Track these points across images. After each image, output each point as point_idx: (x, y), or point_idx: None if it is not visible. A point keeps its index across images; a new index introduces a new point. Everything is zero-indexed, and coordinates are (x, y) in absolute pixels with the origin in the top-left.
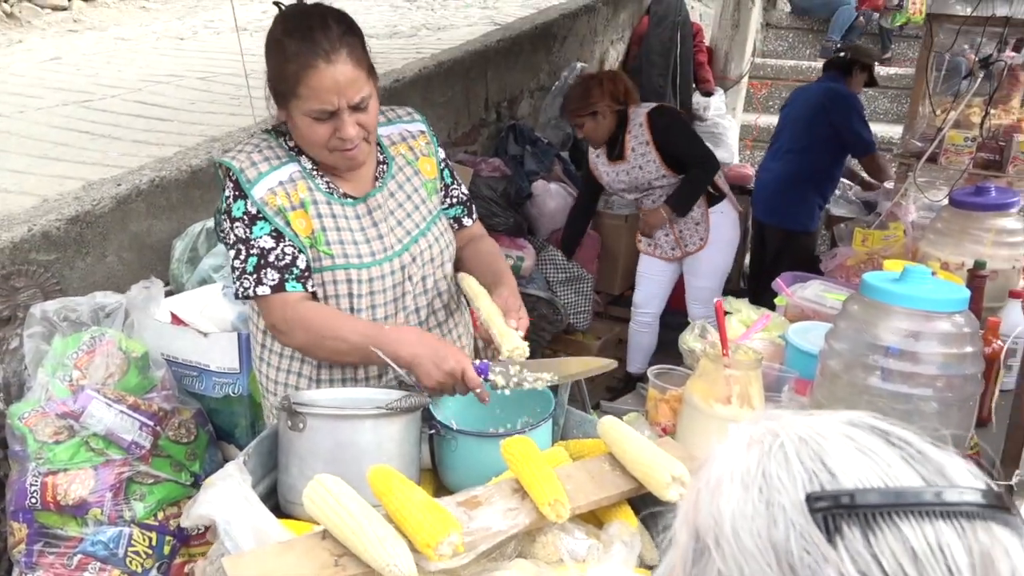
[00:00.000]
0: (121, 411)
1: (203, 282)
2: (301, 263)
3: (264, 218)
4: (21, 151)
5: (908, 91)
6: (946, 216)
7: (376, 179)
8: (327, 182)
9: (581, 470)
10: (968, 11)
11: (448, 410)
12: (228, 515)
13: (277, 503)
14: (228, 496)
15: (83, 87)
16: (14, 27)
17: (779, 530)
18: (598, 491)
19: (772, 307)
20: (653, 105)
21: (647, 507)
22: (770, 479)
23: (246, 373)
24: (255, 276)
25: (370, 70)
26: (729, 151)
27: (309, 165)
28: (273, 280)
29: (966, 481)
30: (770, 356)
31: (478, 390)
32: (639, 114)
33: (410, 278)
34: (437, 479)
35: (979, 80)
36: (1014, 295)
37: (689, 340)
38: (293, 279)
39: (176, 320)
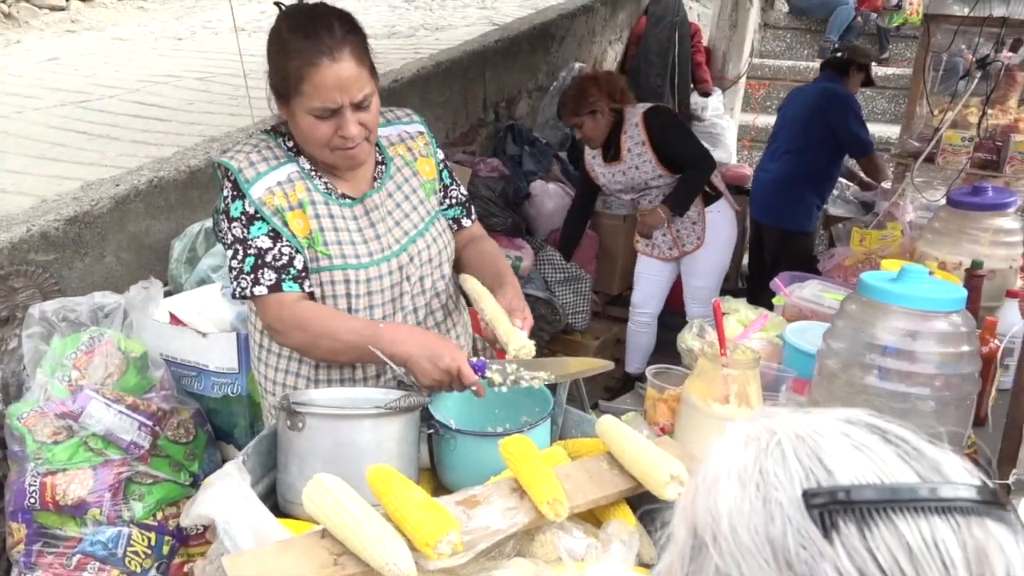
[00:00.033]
0: (120, 411)
1: (202, 282)
2: (298, 263)
3: (262, 218)
4: (19, 151)
5: (906, 91)
6: (943, 216)
7: (374, 179)
8: (325, 183)
9: (579, 469)
10: (965, 11)
11: (447, 410)
12: (227, 514)
13: (276, 503)
14: (227, 495)
15: (81, 87)
16: (12, 27)
17: (776, 526)
18: (596, 490)
19: (770, 307)
20: (649, 105)
21: (644, 504)
22: (767, 476)
23: (245, 373)
24: (252, 276)
25: (372, 70)
26: (727, 151)
27: (307, 166)
28: (270, 280)
29: (961, 477)
30: (768, 356)
31: (474, 387)
32: (635, 114)
33: (408, 278)
34: (436, 478)
35: (976, 80)
36: (1011, 295)
37: (687, 339)
38: (290, 279)
39: (175, 320)
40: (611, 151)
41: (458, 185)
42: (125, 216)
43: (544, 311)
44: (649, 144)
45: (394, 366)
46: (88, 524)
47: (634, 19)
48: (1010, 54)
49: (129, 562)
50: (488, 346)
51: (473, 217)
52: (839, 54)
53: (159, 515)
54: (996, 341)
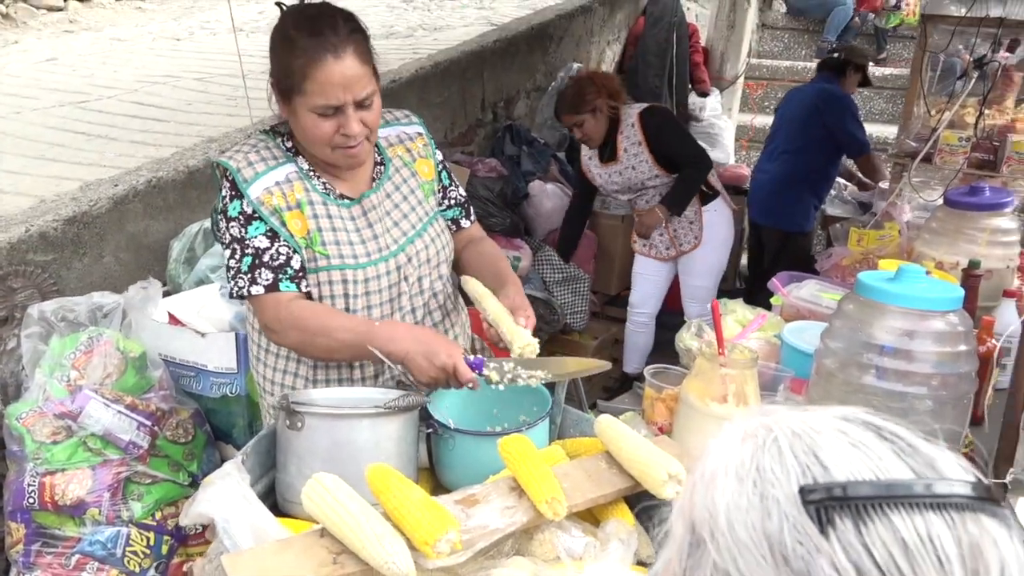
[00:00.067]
0: (119, 411)
1: (200, 282)
2: (295, 263)
3: (259, 218)
4: (17, 152)
5: (903, 91)
6: (941, 216)
7: (373, 180)
8: (324, 183)
9: (578, 468)
10: (962, 12)
11: (446, 409)
12: (227, 514)
13: (275, 502)
14: (227, 495)
15: (79, 88)
16: (10, 28)
17: (773, 522)
18: (595, 489)
19: (768, 307)
20: (645, 105)
21: (642, 502)
22: (764, 472)
23: (243, 373)
24: (249, 276)
25: (374, 70)
26: (725, 151)
27: (306, 166)
28: (267, 280)
29: (956, 474)
30: (766, 355)
31: (470, 385)
32: (631, 114)
33: (406, 278)
34: (435, 478)
35: (973, 80)
36: (1008, 294)
37: (686, 339)
38: (287, 279)
39: (174, 320)
40: (607, 152)
41: (457, 186)
42: (124, 216)
43: (542, 311)
44: (646, 144)
45: (391, 364)
46: (87, 524)
47: (632, 19)
48: (1007, 54)
49: (128, 562)
50: (487, 347)
51: (472, 218)
52: (836, 54)
53: (158, 515)
54: (993, 341)
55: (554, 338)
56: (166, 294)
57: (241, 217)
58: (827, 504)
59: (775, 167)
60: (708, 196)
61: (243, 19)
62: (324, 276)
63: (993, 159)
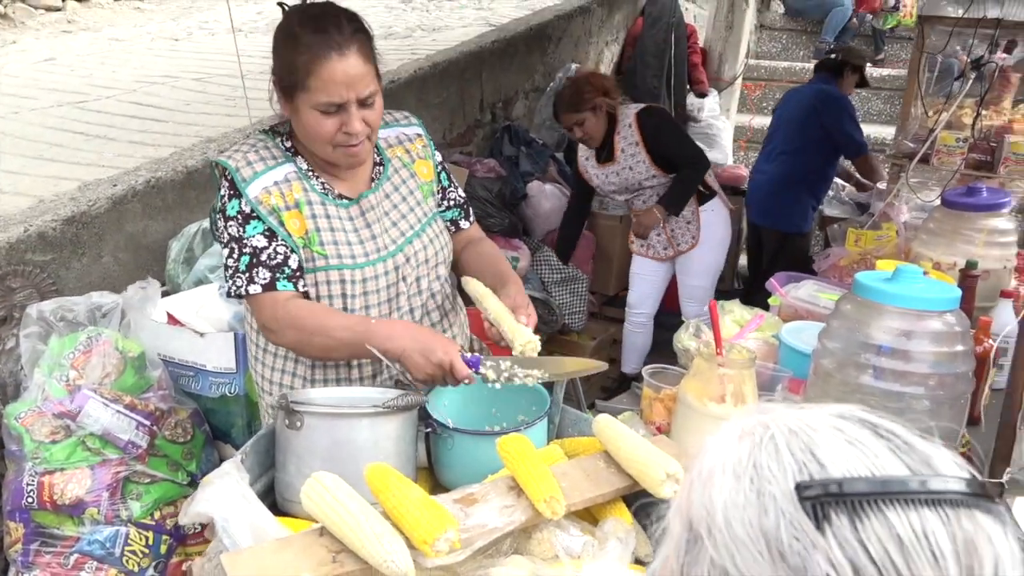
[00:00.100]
0: (118, 411)
1: (199, 282)
2: (293, 263)
3: (258, 217)
4: (16, 152)
5: (901, 92)
6: (938, 216)
7: (372, 180)
8: (322, 183)
9: (576, 468)
10: (960, 13)
11: (444, 409)
12: (226, 513)
13: (274, 501)
14: (226, 494)
15: (78, 88)
16: (8, 28)
17: (769, 519)
18: (593, 488)
19: (766, 307)
20: (642, 106)
21: (640, 499)
22: (761, 470)
23: (242, 373)
24: (247, 275)
25: (377, 70)
26: (723, 152)
27: (305, 166)
28: (264, 279)
29: (951, 471)
30: (764, 356)
31: (466, 381)
32: (628, 115)
33: (404, 279)
34: (433, 477)
35: (971, 81)
36: (1005, 295)
37: (684, 339)
38: (284, 278)
39: (172, 320)
40: (605, 152)
41: (456, 187)
42: (122, 216)
43: (541, 311)
44: (643, 144)
45: (388, 361)
46: (86, 523)
47: (630, 20)
48: (1004, 55)
49: (127, 561)
50: (486, 347)
51: (471, 219)
52: (833, 55)
53: (157, 514)
54: (990, 341)
55: (552, 338)
56: (165, 294)
57: (239, 216)
58: (823, 500)
59: (773, 168)
60: (705, 196)
61: (242, 19)
62: (322, 276)
63: (990, 160)
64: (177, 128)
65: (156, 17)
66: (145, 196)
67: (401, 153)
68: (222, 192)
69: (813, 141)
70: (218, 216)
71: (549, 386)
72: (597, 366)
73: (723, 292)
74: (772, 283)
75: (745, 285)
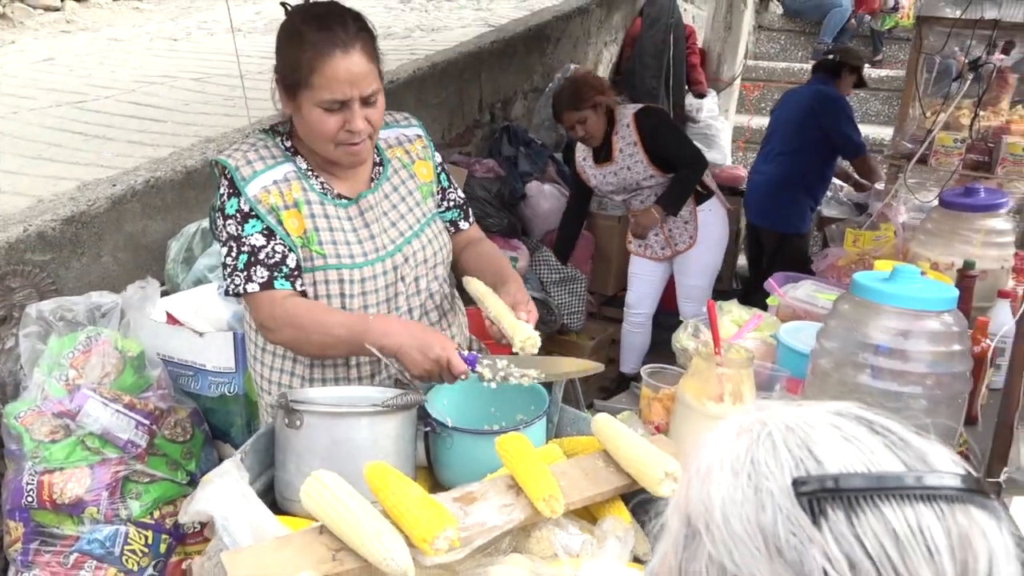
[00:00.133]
0: (117, 410)
1: (198, 282)
2: (291, 262)
3: (256, 216)
4: (15, 152)
5: (899, 93)
6: (936, 217)
7: (371, 180)
8: (321, 183)
9: (575, 467)
10: (957, 14)
11: (443, 408)
12: (226, 511)
13: (274, 500)
14: (226, 492)
15: (76, 88)
16: (6, 28)
17: (767, 514)
18: (592, 487)
19: (764, 308)
20: (640, 106)
21: (638, 496)
22: (758, 466)
23: (242, 372)
24: (245, 273)
25: (380, 70)
26: (722, 153)
27: (304, 165)
28: (262, 278)
29: (946, 467)
30: (762, 355)
31: (462, 377)
32: (626, 115)
33: (403, 279)
34: (432, 476)
35: (968, 82)
36: (1003, 295)
37: (682, 339)
38: (282, 277)
39: (172, 320)
40: (603, 152)
41: (456, 188)
42: (122, 216)
43: (540, 311)
44: (641, 144)
45: (384, 359)
46: (85, 523)
47: (629, 21)
48: (1002, 56)
49: (126, 560)
50: (484, 347)
51: (471, 220)
52: (831, 56)
53: (156, 514)
54: (987, 341)
55: (551, 338)
56: (164, 294)
57: (238, 215)
58: (819, 496)
59: (771, 169)
60: (703, 196)
61: (240, 20)
62: (321, 275)
63: (988, 160)
64: (176, 128)
65: (155, 17)
66: (144, 196)
67: (401, 154)
68: (221, 191)
69: (811, 142)
70: (217, 215)
71: (548, 386)
72: (594, 367)
73: (721, 292)
74: (770, 283)
75: (744, 285)
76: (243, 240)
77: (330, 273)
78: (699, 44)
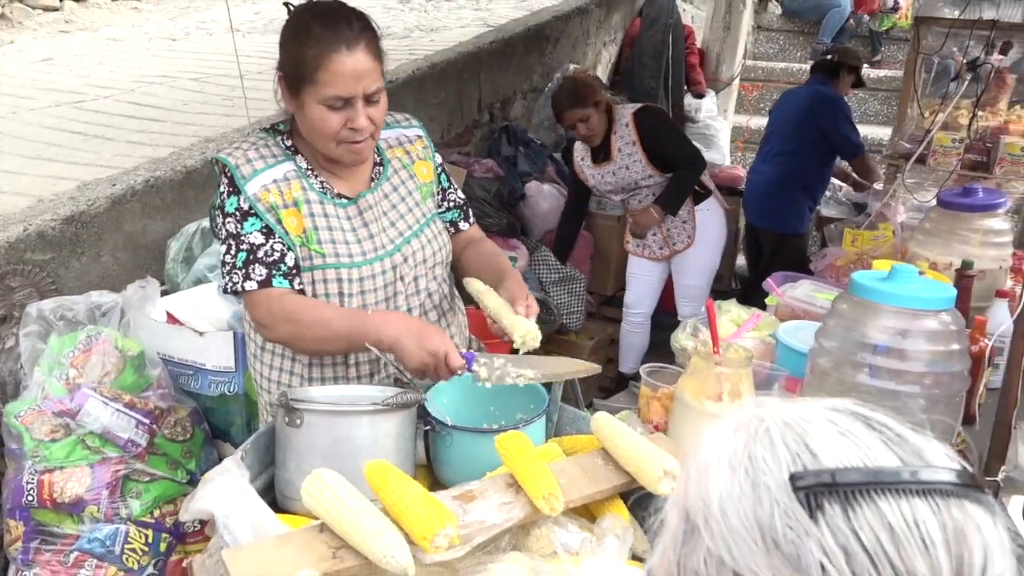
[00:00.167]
0: (117, 409)
1: (198, 281)
2: (289, 260)
3: (256, 214)
4: (14, 152)
5: (897, 93)
6: (934, 217)
7: (371, 180)
8: (321, 182)
9: (574, 465)
10: (956, 14)
11: (443, 406)
12: (227, 509)
13: (274, 498)
14: (226, 491)
15: (75, 88)
16: (5, 28)
17: (764, 509)
18: (591, 485)
19: (763, 308)
20: (639, 105)
21: (636, 492)
22: (756, 461)
23: (242, 372)
24: (243, 271)
25: (383, 69)
26: (720, 153)
27: (304, 164)
28: (260, 276)
29: (942, 462)
30: (761, 355)
31: (459, 372)
32: (625, 114)
33: (402, 278)
34: (432, 474)
35: (967, 82)
36: (1001, 294)
37: (681, 338)
38: (280, 275)
39: (172, 319)
40: (602, 152)
41: (456, 189)
42: (121, 216)
43: (539, 311)
44: (640, 144)
45: (381, 354)
46: (85, 521)
47: (628, 21)
48: (1000, 56)
49: (126, 559)
50: (484, 348)
51: (471, 220)
52: (829, 56)
53: (156, 513)
54: (985, 340)
55: (550, 338)
56: (164, 293)
57: (238, 213)
58: (816, 490)
59: (770, 169)
60: (701, 195)
61: (240, 19)
62: (319, 275)
63: (986, 160)
64: (175, 128)
65: (154, 17)
66: (144, 196)
67: (401, 154)
68: (221, 189)
69: (809, 142)
70: (217, 212)
71: (547, 385)
72: (591, 368)
73: (720, 292)
74: (769, 283)
75: (743, 285)
76: (242, 238)
77: (329, 272)
78: (698, 44)
